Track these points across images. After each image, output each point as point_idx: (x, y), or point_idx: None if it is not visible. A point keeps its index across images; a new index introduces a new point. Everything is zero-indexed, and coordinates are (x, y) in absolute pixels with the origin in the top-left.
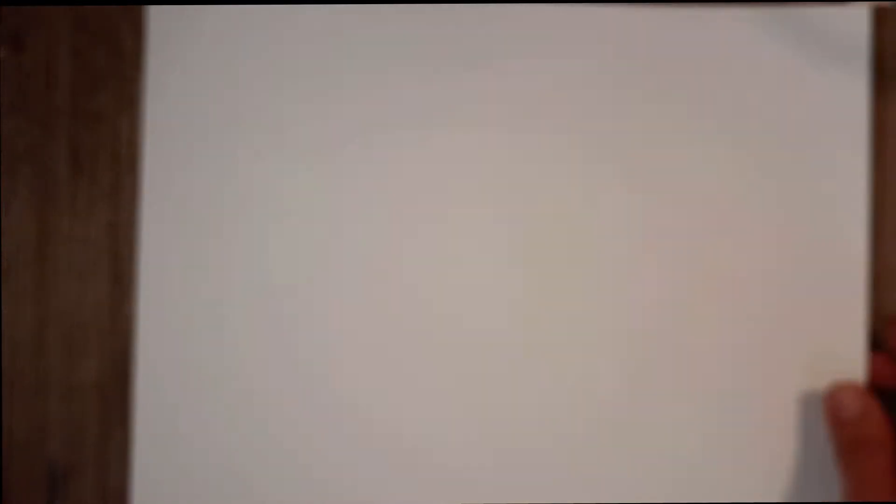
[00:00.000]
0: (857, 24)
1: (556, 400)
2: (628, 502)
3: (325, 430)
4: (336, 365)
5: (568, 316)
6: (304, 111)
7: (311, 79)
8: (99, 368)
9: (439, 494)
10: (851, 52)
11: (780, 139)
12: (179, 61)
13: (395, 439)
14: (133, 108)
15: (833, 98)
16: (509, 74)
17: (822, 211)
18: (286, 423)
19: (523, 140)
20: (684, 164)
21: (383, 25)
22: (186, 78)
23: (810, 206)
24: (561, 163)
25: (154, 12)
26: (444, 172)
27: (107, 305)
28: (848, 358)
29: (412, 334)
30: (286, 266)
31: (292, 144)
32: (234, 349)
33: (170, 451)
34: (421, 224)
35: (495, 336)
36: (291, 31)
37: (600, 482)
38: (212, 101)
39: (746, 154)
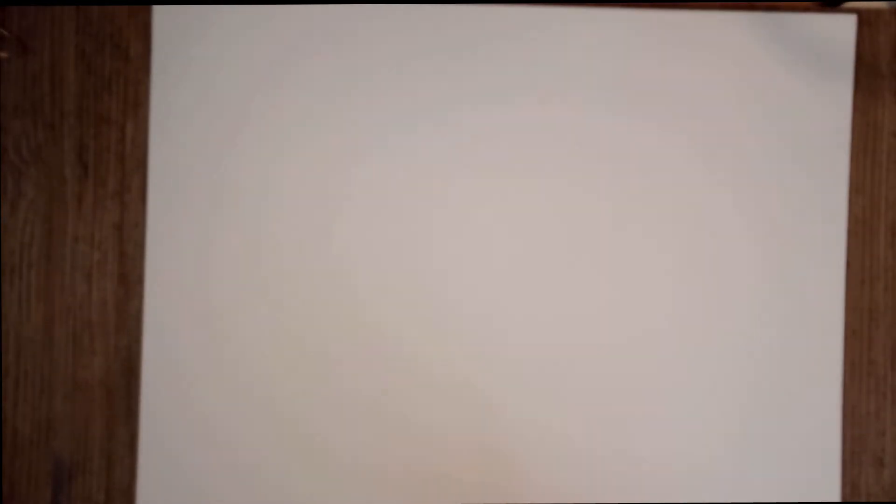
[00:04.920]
0: (844, 31)
1: (562, 395)
2: (629, 502)
3: (330, 428)
4: (342, 362)
5: (571, 319)
6: (310, 112)
7: (316, 80)
8: (105, 366)
9: (449, 493)
10: (838, 58)
11: (766, 142)
12: (184, 63)
13: (402, 436)
14: (139, 110)
15: (818, 102)
16: (509, 75)
17: (803, 209)
18: (292, 420)
19: (522, 139)
20: (673, 161)
21: (390, 27)
22: (192, 80)
23: (793, 206)
24: (556, 166)
25: (159, 15)
26: (450, 173)
27: (113, 304)
28: (826, 354)
29: (421, 329)
30: (291, 265)
31: (297, 145)
32: (239, 347)
33: (175, 448)
34: (429, 224)
35: (505, 335)
36: (296, 32)
37: (605, 480)
38: (217, 103)
39: (732, 154)
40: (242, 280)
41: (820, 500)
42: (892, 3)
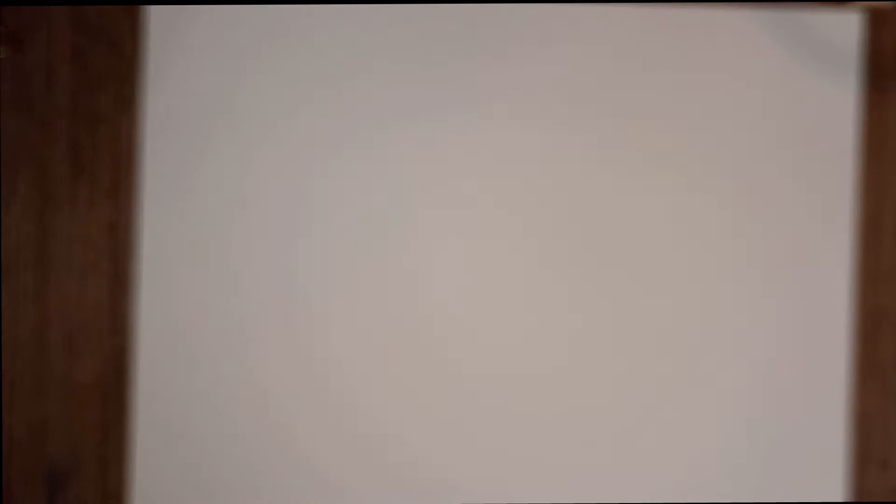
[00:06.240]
0: (849, 27)
1: (565, 400)
2: (629, 502)
3: (325, 430)
4: (336, 363)
5: (573, 315)
6: (303, 111)
7: (310, 78)
8: (99, 368)
9: (445, 494)
10: (843, 55)
11: (772, 139)
12: (179, 61)
13: (398, 439)
14: (133, 108)
15: (824, 100)
16: (513, 74)
17: (809, 208)
18: (286, 421)
19: (523, 139)
20: (677, 159)
21: (385, 24)
22: (186, 78)
23: (798, 205)
24: (560, 162)
25: (154, 13)
26: (445, 170)
27: (107, 305)
28: (832, 354)
29: (412, 328)
30: (285, 265)
31: (291, 144)
32: (233, 348)
33: (169, 450)
34: (424, 220)
35: (507, 335)
36: (290, 30)
37: (607, 480)
38: (211, 101)
39: (737, 152)
40: (238, 280)
41: (825, 501)
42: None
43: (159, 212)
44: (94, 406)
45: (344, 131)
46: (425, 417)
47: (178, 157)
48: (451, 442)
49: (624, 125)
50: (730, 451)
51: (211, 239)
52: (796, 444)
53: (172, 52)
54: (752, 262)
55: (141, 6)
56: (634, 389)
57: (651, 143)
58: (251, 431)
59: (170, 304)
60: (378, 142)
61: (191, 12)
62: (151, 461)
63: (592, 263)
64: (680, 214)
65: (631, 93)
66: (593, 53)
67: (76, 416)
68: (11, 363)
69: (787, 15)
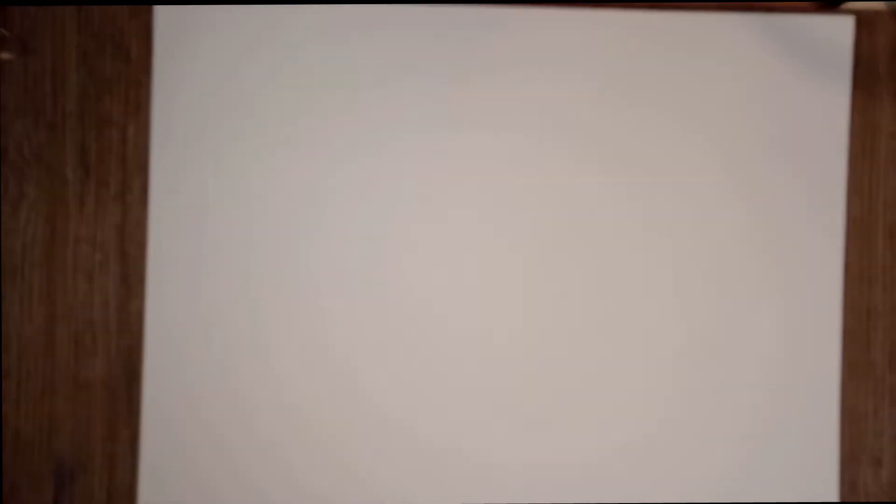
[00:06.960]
0: (842, 32)
1: (558, 396)
2: (628, 502)
3: (330, 429)
4: (340, 362)
5: (569, 317)
6: (310, 113)
7: (317, 81)
8: (106, 367)
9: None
10: (836, 60)
11: (764, 143)
12: (186, 65)
13: (402, 439)
14: (140, 111)
15: (817, 103)
16: (512, 74)
17: (802, 212)
18: (291, 421)
19: (521, 140)
20: (673, 161)
21: (389, 28)
22: (193, 81)
23: (791, 208)
24: (556, 164)
25: (160, 15)
26: (445, 172)
27: (115, 305)
28: (824, 355)
29: (414, 330)
30: (291, 266)
31: (298, 146)
32: (240, 348)
33: (176, 448)
34: (425, 222)
35: (499, 335)
36: (297, 33)
37: (606, 479)
38: (218, 104)
39: (731, 155)
40: (244, 280)
41: (818, 500)
42: (892, 2)
43: (166, 213)
44: (101, 404)
45: (349, 133)
46: (420, 409)
47: (185, 159)
48: (446, 445)
49: (619, 129)
50: (724, 450)
51: (217, 240)
52: (790, 444)
53: (179, 54)
54: (745, 263)
55: (148, 8)
56: (631, 390)
57: (646, 145)
58: (257, 431)
59: (176, 304)
60: (383, 143)
61: (198, 15)
62: (158, 458)
63: (589, 266)
64: (673, 217)
65: (627, 96)
66: (590, 57)
67: (83, 413)
68: (19, 362)
69: (779, 20)
